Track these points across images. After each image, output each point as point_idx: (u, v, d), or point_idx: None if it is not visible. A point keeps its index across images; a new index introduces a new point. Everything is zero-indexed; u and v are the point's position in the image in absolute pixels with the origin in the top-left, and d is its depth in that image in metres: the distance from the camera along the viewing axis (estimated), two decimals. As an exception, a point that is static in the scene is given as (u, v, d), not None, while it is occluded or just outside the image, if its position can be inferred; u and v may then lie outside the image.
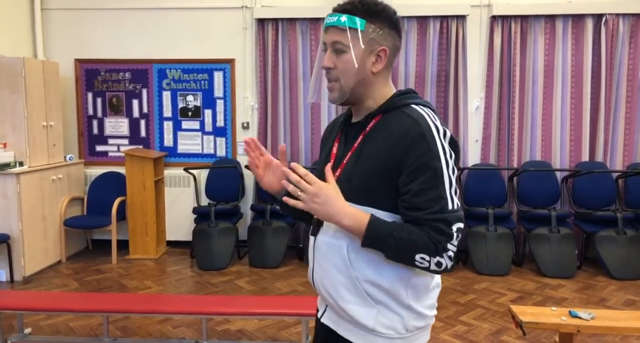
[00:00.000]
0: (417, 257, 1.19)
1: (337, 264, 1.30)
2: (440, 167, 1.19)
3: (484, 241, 4.61)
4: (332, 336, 1.37)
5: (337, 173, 1.33)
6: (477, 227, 4.69)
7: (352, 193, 1.25)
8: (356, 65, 1.26)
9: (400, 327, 1.29)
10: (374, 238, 1.21)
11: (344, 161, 1.33)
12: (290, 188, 1.24)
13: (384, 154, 1.23)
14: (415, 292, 1.29)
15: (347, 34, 1.25)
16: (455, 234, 1.19)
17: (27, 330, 3.30)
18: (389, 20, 1.29)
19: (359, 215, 1.22)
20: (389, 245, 1.20)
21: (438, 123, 1.24)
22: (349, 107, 1.40)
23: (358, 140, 1.31)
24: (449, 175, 1.20)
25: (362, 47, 1.26)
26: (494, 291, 4.15)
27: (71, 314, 3.51)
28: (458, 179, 5.11)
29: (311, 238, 1.41)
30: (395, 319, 1.28)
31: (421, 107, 1.28)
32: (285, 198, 1.27)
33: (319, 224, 1.37)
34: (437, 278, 1.37)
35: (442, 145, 1.21)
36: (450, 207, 1.19)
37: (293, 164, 1.27)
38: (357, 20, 1.25)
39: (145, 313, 3.03)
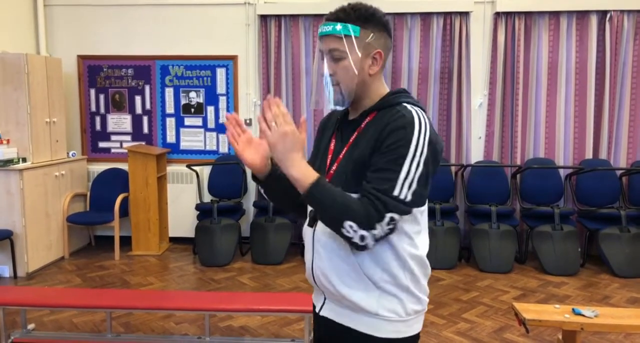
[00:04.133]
0: (347, 223, 1.23)
1: (338, 252, 1.34)
2: (405, 156, 1.24)
3: (487, 238, 4.60)
4: (333, 328, 1.39)
5: (333, 168, 1.39)
6: (480, 224, 4.67)
7: (348, 183, 1.31)
8: (355, 71, 1.32)
9: (400, 310, 1.33)
10: (313, 195, 1.26)
11: (340, 156, 1.39)
12: (263, 126, 1.28)
13: (372, 144, 1.29)
14: (413, 276, 1.34)
15: (343, 41, 1.31)
16: (386, 219, 1.22)
17: (31, 326, 3.31)
18: (380, 23, 1.34)
19: (310, 172, 1.28)
20: (326, 204, 1.25)
21: (424, 122, 1.28)
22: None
23: (353, 136, 1.38)
24: (409, 167, 1.24)
25: (359, 52, 1.31)
26: (496, 288, 4.15)
27: (74, 310, 3.53)
28: (461, 176, 5.09)
29: (309, 230, 1.43)
30: (395, 302, 1.33)
31: (412, 105, 1.33)
32: (259, 117, 1.30)
33: (316, 216, 1.39)
34: (429, 266, 1.41)
35: (417, 140, 1.25)
36: (396, 193, 1.23)
37: (274, 99, 1.29)
38: (351, 27, 1.30)
39: (148, 310, 3.03)
